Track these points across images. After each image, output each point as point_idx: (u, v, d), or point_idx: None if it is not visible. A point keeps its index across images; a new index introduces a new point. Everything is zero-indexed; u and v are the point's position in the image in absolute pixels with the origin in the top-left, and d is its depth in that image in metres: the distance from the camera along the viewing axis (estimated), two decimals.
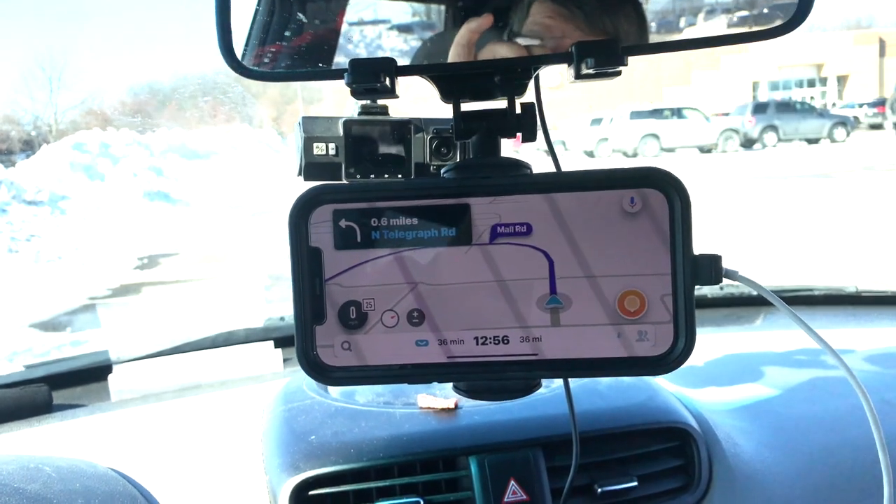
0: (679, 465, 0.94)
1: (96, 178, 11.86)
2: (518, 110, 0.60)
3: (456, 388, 0.59)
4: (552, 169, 0.61)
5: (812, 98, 28.04)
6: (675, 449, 0.95)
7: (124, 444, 1.06)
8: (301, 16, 0.68)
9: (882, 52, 30.15)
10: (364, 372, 0.55)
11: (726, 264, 0.54)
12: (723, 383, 1.18)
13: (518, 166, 0.56)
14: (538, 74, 0.62)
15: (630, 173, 0.53)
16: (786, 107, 19.89)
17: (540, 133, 0.62)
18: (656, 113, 19.87)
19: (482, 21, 0.64)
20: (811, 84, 30.61)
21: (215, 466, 0.98)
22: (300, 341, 0.54)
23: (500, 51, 0.65)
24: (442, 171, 0.58)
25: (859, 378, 0.56)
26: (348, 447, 0.89)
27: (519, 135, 0.61)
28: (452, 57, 0.64)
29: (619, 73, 0.58)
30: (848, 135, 19.04)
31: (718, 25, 0.67)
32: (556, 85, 0.86)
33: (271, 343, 1.43)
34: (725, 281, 0.55)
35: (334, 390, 1.07)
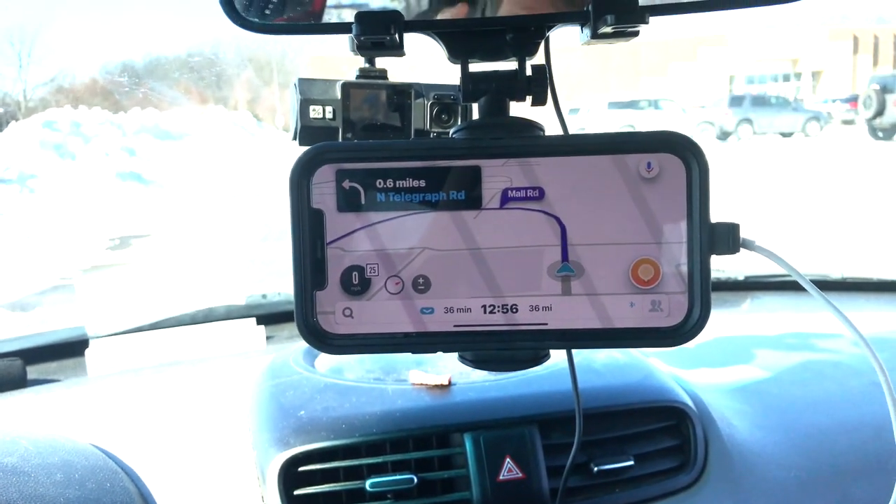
0: (675, 444, 0.93)
1: (67, 156, 11.62)
2: (528, 72, 0.58)
3: (462, 358, 0.56)
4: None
5: (787, 92, 28.33)
6: (671, 428, 0.94)
7: (103, 420, 1.02)
8: None
9: (856, 49, 30.51)
10: (366, 340, 0.52)
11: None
12: (714, 365, 1.17)
13: (531, 127, 0.54)
14: (549, 37, 0.60)
15: (647, 137, 0.51)
16: (761, 100, 20.00)
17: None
18: (633, 104, 19.98)
19: None
20: (786, 79, 30.86)
21: (198, 442, 0.95)
22: (300, 307, 0.51)
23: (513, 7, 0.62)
24: (451, 131, 0.55)
25: (860, 361, 0.54)
26: (339, 422, 0.87)
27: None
28: (461, 13, 0.61)
29: (637, 34, 0.55)
30: (821, 129, 19.27)
31: None
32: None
33: (253, 320, 1.40)
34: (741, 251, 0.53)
35: (322, 366, 1.04)
